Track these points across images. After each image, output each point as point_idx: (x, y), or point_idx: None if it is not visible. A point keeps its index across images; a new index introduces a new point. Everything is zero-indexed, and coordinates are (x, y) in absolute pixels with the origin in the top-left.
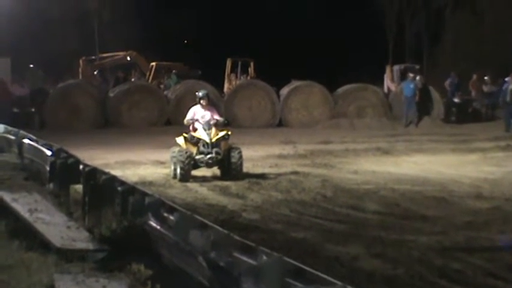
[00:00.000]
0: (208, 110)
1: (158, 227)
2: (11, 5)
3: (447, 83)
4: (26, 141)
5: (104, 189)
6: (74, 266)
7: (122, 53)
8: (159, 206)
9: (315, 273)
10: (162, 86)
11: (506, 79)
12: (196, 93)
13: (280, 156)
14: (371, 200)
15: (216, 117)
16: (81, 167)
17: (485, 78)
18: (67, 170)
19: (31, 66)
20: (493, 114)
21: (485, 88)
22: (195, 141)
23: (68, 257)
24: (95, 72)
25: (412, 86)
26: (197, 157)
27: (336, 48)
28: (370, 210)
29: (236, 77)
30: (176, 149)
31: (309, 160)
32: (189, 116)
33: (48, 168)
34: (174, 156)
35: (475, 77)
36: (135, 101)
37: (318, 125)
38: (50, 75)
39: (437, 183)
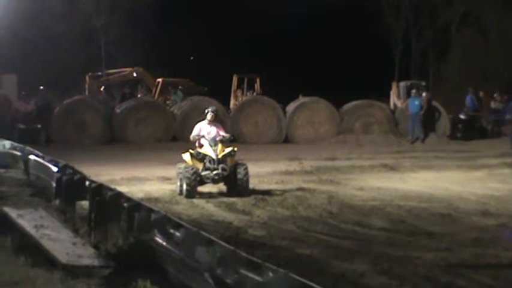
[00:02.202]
0: (214, 126)
1: (164, 244)
2: (17, 22)
3: (467, 99)
4: (32, 157)
5: (110, 205)
6: (79, 283)
7: (128, 69)
8: (165, 222)
9: None
10: (168, 102)
11: None
12: (206, 109)
13: (287, 173)
14: (377, 216)
15: (222, 133)
16: (87, 183)
17: (495, 95)
18: (73, 186)
19: (41, 88)
20: (500, 131)
21: (493, 105)
22: (201, 158)
23: (74, 273)
24: (102, 88)
25: (417, 102)
26: (203, 173)
27: (343, 64)
28: (376, 226)
29: (242, 93)
30: (182, 165)
31: (315, 176)
32: (195, 132)
33: (54, 185)
34: (180, 173)
35: (482, 94)
36: (141, 117)
37: (324, 141)
38: (56, 91)
39: (443, 199)
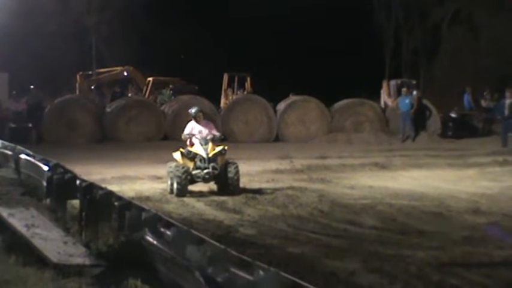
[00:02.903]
0: (206, 125)
1: (155, 242)
2: (8, 20)
3: (464, 98)
4: (22, 156)
5: (100, 204)
6: (70, 282)
7: (119, 68)
8: (156, 221)
9: None
10: (157, 101)
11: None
12: (189, 111)
13: (277, 171)
14: (368, 215)
15: (214, 132)
16: (78, 182)
17: (484, 93)
18: (64, 185)
19: (31, 87)
20: (490, 129)
21: (483, 103)
22: (192, 156)
23: (65, 272)
24: (92, 87)
25: (407, 101)
26: (194, 172)
27: (333, 63)
28: (367, 225)
29: (233, 92)
30: (173, 164)
31: (305, 175)
32: (186, 130)
33: (45, 184)
34: (170, 171)
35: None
36: (132, 116)
37: (314, 139)
38: (47, 90)
39: (434, 198)
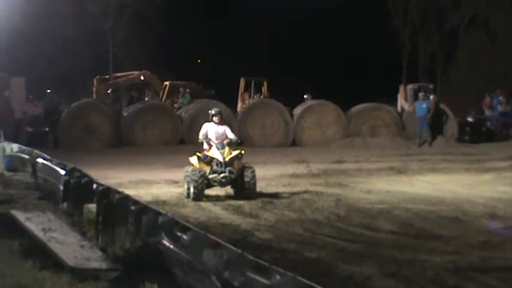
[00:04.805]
0: (222, 126)
1: (171, 246)
2: (25, 24)
3: (494, 101)
4: (39, 160)
5: (117, 208)
6: (87, 286)
7: (135, 72)
8: (173, 225)
9: None
10: (175, 105)
11: None
12: (209, 111)
13: (294, 176)
14: (384, 219)
15: (229, 133)
16: (94, 186)
17: (500, 98)
18: (81, 189)
19: (48, 91)
20: (507, 133)
21: (499, 108)
22: (209, 161)
23: (82, 276)
24: (108, 91)
25: (424, 105)
26: (210, 176)
27: (350, 67)
28: (383, 229)
29: (249, 96)
30: (189, 168)
31: (322, 179)
32: (202, 131)
33: (61, 188)
34: (187, 176)
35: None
36: (148, 120)
37: (331, 144)
38: (63, 94)
39: (451, 202)
